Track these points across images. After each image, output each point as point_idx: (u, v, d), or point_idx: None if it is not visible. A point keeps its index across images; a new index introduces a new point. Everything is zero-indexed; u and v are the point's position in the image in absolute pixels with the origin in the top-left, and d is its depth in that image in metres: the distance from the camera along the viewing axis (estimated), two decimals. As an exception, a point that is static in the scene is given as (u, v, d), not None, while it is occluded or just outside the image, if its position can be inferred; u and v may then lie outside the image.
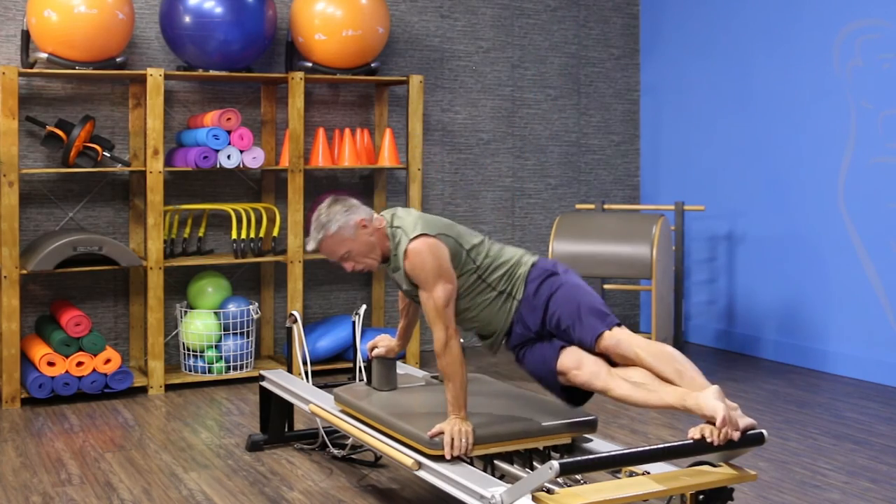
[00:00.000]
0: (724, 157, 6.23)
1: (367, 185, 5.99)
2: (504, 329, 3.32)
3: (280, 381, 4.10)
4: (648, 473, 2.95)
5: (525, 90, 6.46)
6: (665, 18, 6.66)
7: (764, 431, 2.90)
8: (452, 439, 3.04)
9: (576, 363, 3.14)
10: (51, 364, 4.82)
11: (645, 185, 6.84)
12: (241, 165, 5.26)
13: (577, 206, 6.15)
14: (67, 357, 4.85)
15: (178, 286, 5.52)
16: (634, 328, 6.71)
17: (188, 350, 5.30)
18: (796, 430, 4.44)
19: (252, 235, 5.33)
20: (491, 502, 2.73)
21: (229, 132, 5.19)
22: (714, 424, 2.82)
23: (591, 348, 3.13)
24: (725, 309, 6.24)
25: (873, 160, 5.34)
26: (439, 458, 3.06)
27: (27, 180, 5.20)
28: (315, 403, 3.78)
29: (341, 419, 3.59)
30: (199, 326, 5.25)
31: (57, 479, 3.80)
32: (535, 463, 3.29)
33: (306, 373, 4.24)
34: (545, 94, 6.52)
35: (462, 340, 3.29)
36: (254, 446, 4.14)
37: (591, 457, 2.76)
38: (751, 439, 2.88)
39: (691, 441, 2.82)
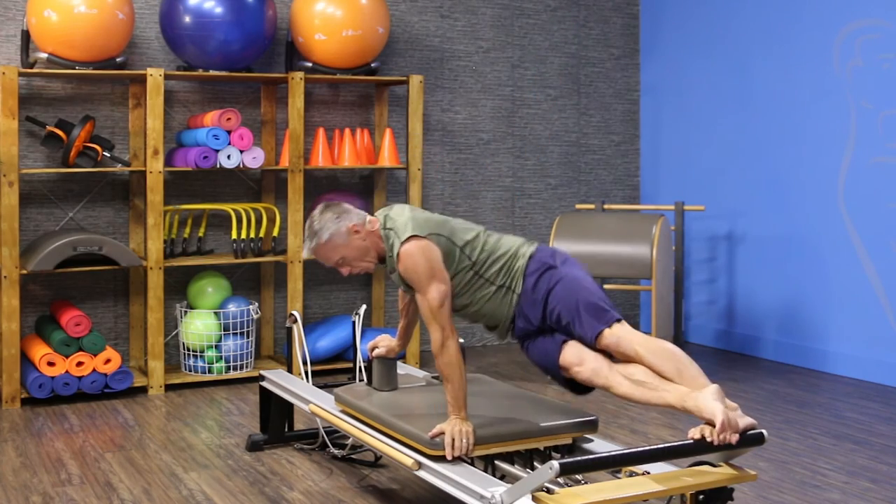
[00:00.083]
0: (724, 157, 6.23)
1: (367, 185, 5.99)
2: (508, 321, 3.32)
3: (280, 381, 4.10)
4: (648, 473, 2.95)
5: (525, 90, 6.46)
6: (665, 18, 6.67)
7: (764, 431, 2.90)
8: (453, 440, 3.03)
9: (577, 360, 3.13)
10: (51, 364, 4.82)
11: (645, 185, 6.84)
12: (241, 165, 5.26)
13: (577, 206, 6.15)
14: (67, 357, 4.85)
15: (178, 286, 5.52)
16: (634, 328, 6.69)
17: (188, 350, 5.30)
18: (796, 430, 4.44)
19: (252, 235, 5.33)
20: (491, 502, 2.73)
21: (229, 132, 5.19)
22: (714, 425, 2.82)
23: (591, 345, 3.13)
24: (725, 309, 6.24)
25: (873, 160, 5.34)
26: (440, 459, 3.05)
27: (27, 180, 5.20)
28: (315, 403, 3.78)
29: (341, 419, 3.59)
30: (199, 326, 5.25)
31: (57, 479, 3.80)
32: (535, 463, 3.29)
33: (306, 373, 4.24)
34: (545, 94, 6.52)
35: (462, 340, 3.29)
36: (254, 446, 4.14)
37: (591, 457, 2.76)
38: (751, 439, 2.88)
39: (691, 441, 2.82)
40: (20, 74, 4.94)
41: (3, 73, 4.83)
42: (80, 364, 4.87)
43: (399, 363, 4.00)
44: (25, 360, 4.99)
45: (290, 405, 4.14)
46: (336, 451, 4.00)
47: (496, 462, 3.21)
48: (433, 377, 3.89)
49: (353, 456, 3.98)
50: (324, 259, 3.33)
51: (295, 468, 3.91)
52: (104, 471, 3.90)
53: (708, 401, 2.85)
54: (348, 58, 5.48)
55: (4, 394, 4.86)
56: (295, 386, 4.02)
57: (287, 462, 3.99)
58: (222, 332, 5.29)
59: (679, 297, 5.70)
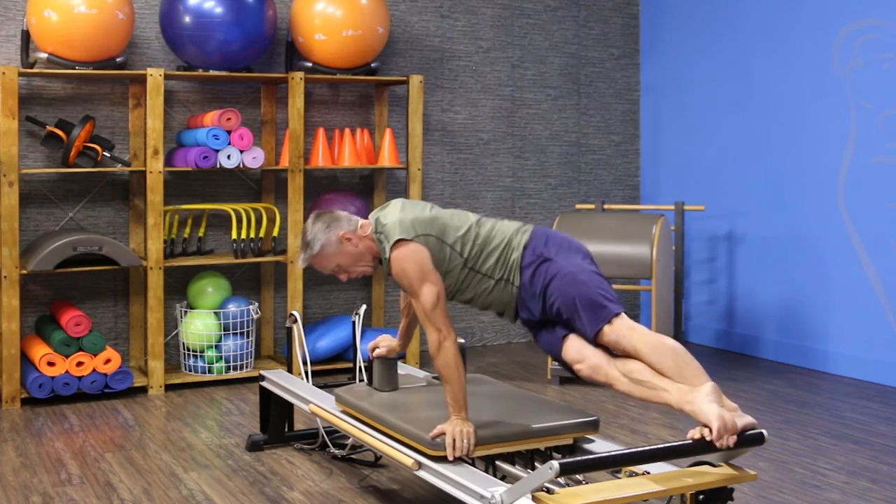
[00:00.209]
0: (724, 157, 6.23)
1: (367, 185, 5.99)
2: (513, 310, 3.30)
3: (280, 381, 4.10)
4: (648, 473, 2.95)
5: (525, 90, 6.46)
6: (665, 18, 6.67)
7: (764, 431, 2.90)
8: (454, 440, 3.03)
9: (578, 357, 3.13)
10: (51, 364, 4.82)
11: (645, 185, 6.84)
12: (241, 165, 5.26)
13: (577, 206, 6.15)
14: (67, 357, 4.85)
15: (178, 286, 5.53)
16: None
17: (188, 350, 5.30)
18: (796, 430, 4.44)
19: (252, 235, 5.33)
20: (491, 502, 2.73)
21: (229, 132, 5.19)
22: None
23: (592, 341, 3.12)
24: (725, 309, 6.25)
25: (873, 160, 5.34)
26: (441, 459, 3.05)
27: (27, 180, 5.20)
28: (315, 403, 3.78)
29: (342, 419, 3.59)
30: (199, 326, 5.25)
31: (57, 479, 3.80)
32: (536, 464, 3.29)
33: (306, 373, 4.24)
34: (545, 94, 6.52)
35: (462, 341, 3.29)
36: (254, 446, 4.14)
37: (590, 457, 2.76)
38: (751, 439, 2.87)
39: (691, 441, 2.82)
40: (20, 74, 4.94)
41: (3, 73, 4.83)
42: (80, 364, 4.87)
43: (399, 363, 4.00)
44: (25, 360, 4.99)
45: (290, 405, 4.14)
46: (336, 451, 4.00)
47: (497, 462, 3.21)
48: (433, 377, 3.89)
49: (353, 456, 3.98)
50: (320, 268, 3.36)
51: (295, 468, 3.91)
52: (104, 471, 3.90)
53: (703, 404, 2.84)
54: (348, 58, 5.48)
55: (4, 394, 4.86)
56: (295, 386, 4.02)
57: (287, 462, 3.99)
58: (222, 332, 5.29)
59: (679, 297, 5.70)
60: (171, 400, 5.00)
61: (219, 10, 5.14)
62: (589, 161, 6.68)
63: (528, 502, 2.67)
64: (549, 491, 2.73)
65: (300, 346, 4.49)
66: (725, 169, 6.22)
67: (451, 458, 3.04)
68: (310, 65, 5.49)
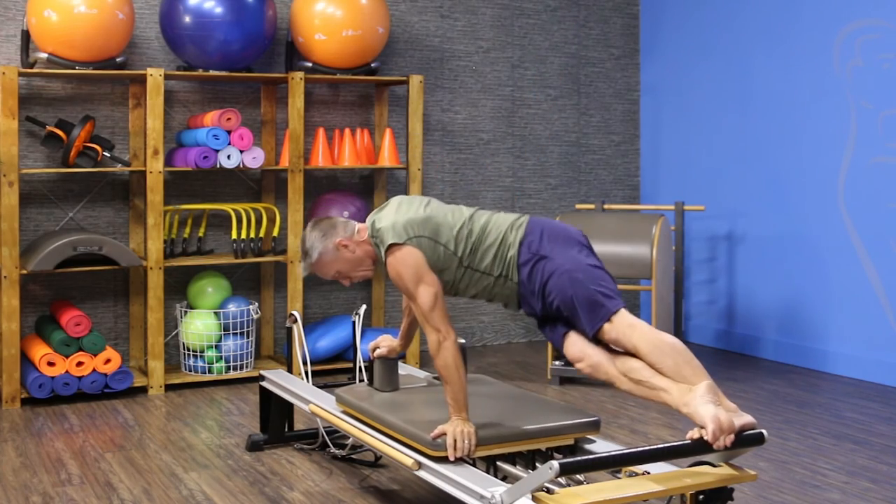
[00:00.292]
0: (724, 157, 6.23)
1: (367, 185, 5.99)
2: (516, 303, 3.30)
3: (280, 381, 4.10)
4: (648, 473, 2.95)
5: (525, 90, 6.46)
6: (665, 18, 6.67)
7: (764, 431, 2.90)
8: (455, 441, 3.03)
9: (579, 355, 3.13)
10: (51, 364, 4.82)
11: (645, 185, 6.84)
12: (241, 165, 5.26)
13: (577, 206, 6.15)
14: (67, 357, 4.85)
15: (178, 286, 5.53)
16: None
17: (188, 350, 5.30)
18: (796, 430, 4.44)
19: (252, 235, 5.33)
20: (491, 502, 2.73)
21: (229, 132, 5.19)
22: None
23: (593, 339, 3.12)
24: (725, 309, 6.25)
25: (873, 160, 5.34)
26: (442, 460, 3.05)
27: (27, 180, 5.20)
28: (315, 403, 3.78)
29: (342, 419, 3.59)
30: (199, 326, 5.25)
31: (57, 479, 3.80)
32: (537, 464, 3.29)
33: (306, 373, 4.24)
34: (545, 94, 6.52)
35: (462, 341, 3.29)
36: (254, 446, 4.14)
37: (590, 457, 2.76)
38: (751, 439, 2.87)
39: (691, 441, 2.82)
40: (20, 74, 4.94)
41: (3, 73, 4.83)
42: (80, 364, 4.87)
43: (399, 363, 3.99)
44: (25, 360, 4.99)
45: (290, 405, 4.14)
46: (336, 451, 4.00)
47: (498, 463, 3.21)
48: (434, 377, 3.89)
49: (353, 456, 3.98)
50: (321, 275, 3.41)
51: (295, 468, 3.91)
52: (104, 471, 3.90)
53: (699, 406, 2.84)
54: (348, 58, 5.48)
55: (4, 394, 4.86)
56: (295, 386, 4.02)
57: (287, 462, 3.99)
58: (222, 332, 5.29)
59: (679, 297, 5.70)
60: (171, 400, 5.00)
61: (219, 10, 5.14)
62: (589, 161, 6.68)
63: (528, 502, 2.67)
64: (549, 491, 2.73)
65: (300, 346, 4.49)
66: (725, 169, 6.22)
67: (452, 459, 3.04)
68: (310, 65, 5.49)
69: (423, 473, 3.10)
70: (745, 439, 2.86)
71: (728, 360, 5.92)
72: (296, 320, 4.29)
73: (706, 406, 2.83)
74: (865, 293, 5.37)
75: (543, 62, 6.51)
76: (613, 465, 2.81)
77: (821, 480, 3.76)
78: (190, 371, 5.32)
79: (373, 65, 5.60)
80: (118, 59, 5.12)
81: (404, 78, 5.69)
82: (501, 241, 3.24)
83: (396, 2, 6.05)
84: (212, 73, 5.29)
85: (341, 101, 5.94)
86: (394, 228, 3.23)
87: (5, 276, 4.84)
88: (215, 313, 5.27)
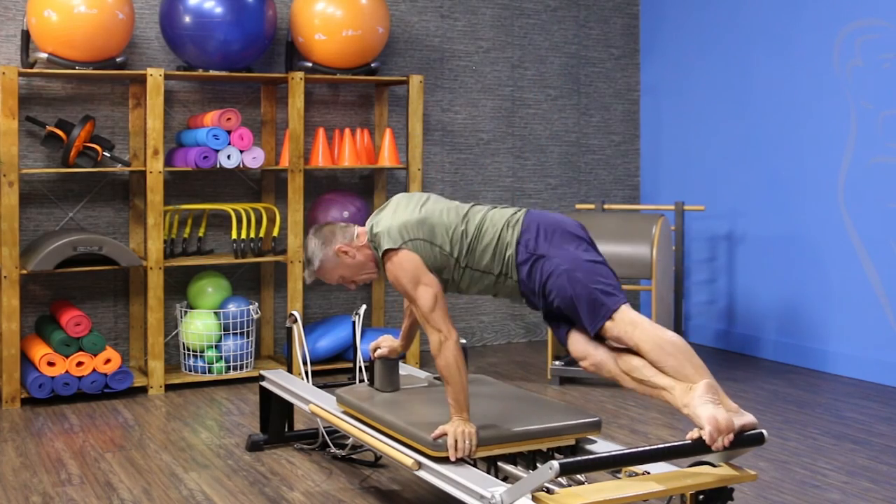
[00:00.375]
0: (724, 157, 6.23)
1: (367, 185, 5.99)
2: (519, 298, 3.29)
3: (280, 381, 4.10)
4: (648, 473, 2.95)
5: (525, 90, 6.46)
6: (665, 18, 6.67)
7: (764, 431, 2.90)
8: (456, 441, 3.03)
9: (582, 354, 3.13)
10: (51, 364, 4.82)
11: (645, 185, 6.84)
12: (241, 165, 5.26)
13: (577, 206, 6.15)
14: (67, 357, 4.85)
15: (178, 286, 5.52)
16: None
17: (188, 350, 5.30)
18: (796, 430, 4.44)
19: (252, 235, 5.33)
20: (491, 502, 2.73)
21: (229, 132, 5.19)
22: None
23: (595, 337, 3.12)
24: (725, 309, 6.25)
25: (873, 160, 5.34)
26: (442, 460, 3.05)
27: (27, 180, 5.20)
28: (315, 403, 3.78)
29: (342, 419, 3.59)
30: (199, 326, 5.25)
31: (57, 479, 3.80)
32: (538, 464, 3.29)
33: (306, 373, 4.24)
34: (545, 94, 6.52)
35: (464, 341, 3.29)
36: (254, 446, 4.14)
37: (590, 457, 2.76)
38: (751, 439, 2.87)
39: (691, 441, 2.82)
40: (20, 74, 4.94)
41: (3, 73, 4.83)
42: (80, 364, 4.86)
43: (400, 363, 3.99)
44: (25, 360, 4.99)
45: (290, 405, 4.14)
46: (336, 451, 4.00)
47: (499, 463, 3.21)
48: (435, 378, 3.89)
49: (353, 456, 3.98)
50: (326, 281, 3.44)
51: (295, 468, 3.91)
52: (104, 471, 3.90)
53: (698, 407, 2.83)
54: (348, 58, 5.48)
55: (4, 394, 4.86)
56: (295, 386, 4.02)
57: (287, 462, 3.99)
58: (222, 332, 5.29)
59: (679, 297, 5.70)
60: (171, 400, 5.00)
61: (219, 10, 5.14)
62: (589, 161, 6.68)
63: (528, 502, 2.67)
64: (549, 491, 2.73)
65: (300, 346, 4.49)
66: (725, 169, 6.22)
67: (453, 459, 3.03)
68: (310, 65, 5.49)
69: (423, 473, 3.10)
70: (744, 439, 2.86)
71: (728, 360, 5.92)
72: (296, 320, 4.29)
73: (705, 406, 2.83)
74: (865, 293, 5.37)
75: (543, 62, 6.51)
76: (613, 465, 2.81)
77: (821, 480, 3.77)
78: (190, 371, 5.32)
79: (373, 65, 5.60)
80: (118, 59, 5.12)
81: (404, 78, 5.69)
82: (498, 240, 3.23)
83: (396, 2, 6.05)
84: (212, 73, 5.29)
85: (341, 101, 5.94)
86: (389, 233, 3.25)
87: (5, 276, 4.84)
88: (215, 313, 5.27)
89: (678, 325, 5.70)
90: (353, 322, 4.21)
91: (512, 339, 6.51)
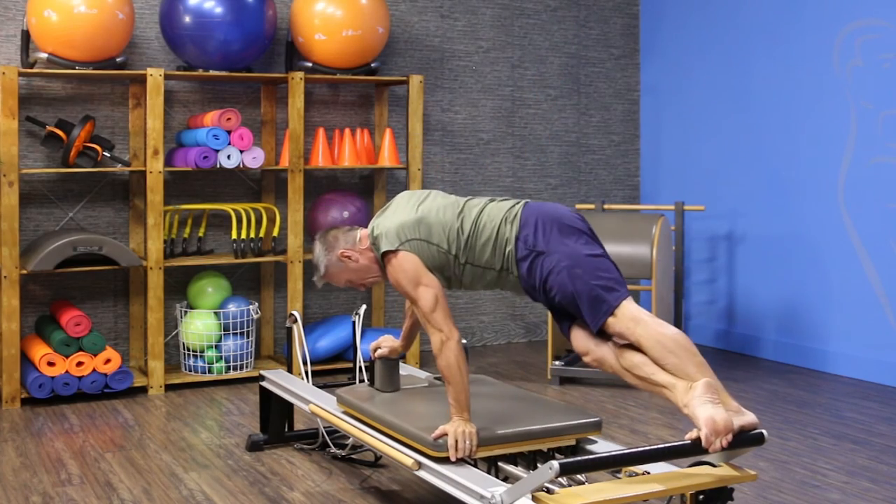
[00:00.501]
0: (724, 157, 6.23)
1: (367, 185, 5.99)
2: (523, 292, 3.28)
3: (280, 381, 4.10)
4: (648, 473, 2.95)
5: (525, 90, 6.46)
6: (665, 18, 6.67)
7: (764, 431, 2.90)
8: (456, 441, 3.03)
9: (584, 349, 3.13)
10: (51, 364, 4.82)
11: (645, 185, 6.84)
12: (241, 165, 5.26)
13: (577, 206, 6.15)
14: (67, 357, 4.85)
15: (178, 286, 5.52)
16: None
17: (188, 350, 5.30)
18: (796, 430, 4.44)
19: (252, 235, 5.33)
20: (491, 502, 2.73)
21: (229, 132, 5.19)
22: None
23: (598, 332, 3.11)
24: (725, 309, 6.25)
25: (873, 160, 5.34)
26: (443, 460, 3.05)
27: (27, 180, 5.20)
28: (315, 403, 3.78)
29: (342, 419, 3.59)
30: (199, 326, 5.25)
31: (57, 479, 3.80)
32: (538, 464, 3.29)
33: (306, 373, 4.24)
34: (545, 94, 6.52)
35: (464, 341, 3.29)
36: (254, 446, 4.14)
37: (590, 457, 2.76)
38: (751, 439, 2.87)
39: (691, 441, 2.81)
40: (20, 74, 4.94)
41: (3, 73, 4.83)
42: (80, 364, 4.87)
43: (400, 364, 3.99)
44: (25, 360, 4.99)
45: (290, 405, 4.14)
46: (336, 452, 4.00)
47: (499, 463, 3.21)
48: (435, 378, 3.89)
49: (353, 456, 3.98)
50: (335, 284, 3.48)
51: (295, 468, 3.91)
52: (104, 471, 3.90)
53: (697, 407, 2.83)
54: (348, 58, 5.48)
55: (4, 394, 4.86)
56: (295, 386, 4.02)
57: (287, 462, 3.99)
58: (222, 332, 5.29)
59: (679, 297, 5.70)
60: (171, 400, 5.00)
61: (219, 10, 5.14)
62: (589, 161, 6.68)
63: (528, 502, 2.67)
64: (549, 491, 2.73)
65: (300, 346, 4.49)
66: (725, 169, 6.22)
67: (453, 460, 3.03)
68: (310, 65, 5.49)
69: (423, 474, 3.10)
70: (744, 439, 2.86)
71: (728, 360, 5.92)
72: (296, 320, 4.29)
73: (703, 407, 2.82)
74: (865, 293, 5.37)
75: (543, 62, 6.51)
76: (613, 465, 2.81)
77: (821, 480, 3.77)
78: (190, 371, 5.32)
79: (373, 65, 5.60)
80: (118, 59, 5.12)
81: (404, 78, 5.69)
82: (497, 235, 3.22)
83: (396, 2, 6.05)
84: (212, 73, 5.29)
85: (341, 101, 5.94)
86: (387, 235, 3.26)
87: (5, 276, 4.84)
88: (215, 313, 5.27)
89: (678, 325, 5.70)
90: (353, 322, 4.21)
91: (512, 339, 6.51)
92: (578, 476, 3.10)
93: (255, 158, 5.28)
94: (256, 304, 5.44)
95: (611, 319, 3.04)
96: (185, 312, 5.34)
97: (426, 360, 5.80)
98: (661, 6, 6.69)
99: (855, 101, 5.42)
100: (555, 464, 2.56)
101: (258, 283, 5.75)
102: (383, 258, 3.27)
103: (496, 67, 6.36)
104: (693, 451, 2.83)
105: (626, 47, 6.79)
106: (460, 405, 3.10)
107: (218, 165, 5.18)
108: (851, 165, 5.44)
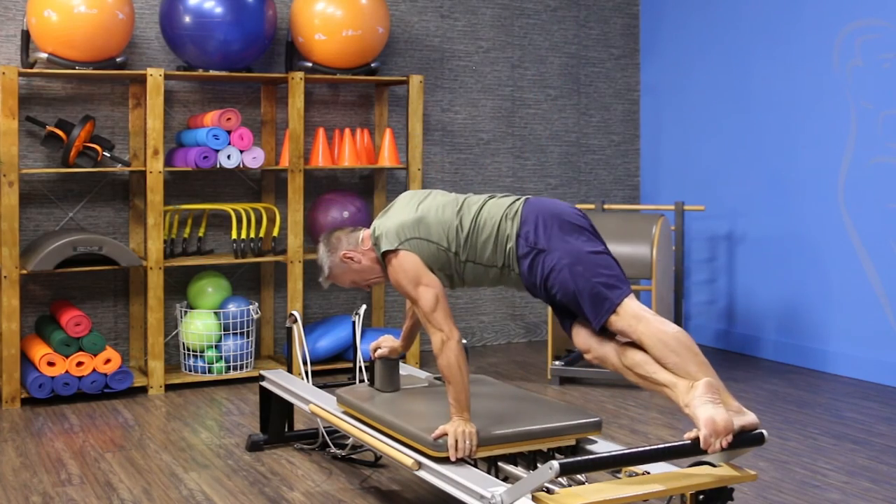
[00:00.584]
0: (724, 157, 6.23)
1: (367, 185, 5.99)
2: (524, 289, 3.27)
3: (280, 381, 4.10)
4: (648, 473, 2.95)
5: (525, 90, 6.46)
6: (665, 18, 6.67)
7: (764, 431, 2.90)
8: (456, 441, 3.03)
9: (585, 347, 3.13)
10: (51, 364, 4.82)
11: (645, 185, 6.84)
12: (241, 165, 5.26)
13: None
14: (67, 357, 4.85)
15: (178, 286, 5.52)
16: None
17: (188, 350, 5.30)
18: (796, 430, 4.44)
19: (252, 235, 5.33)
20: (491, 502, 2.73)
21: (229, 132, 5.19)
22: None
23: (600, 330, 3.11)
24: (725, 309, 6.25)
25: (873, 160, 5.34)
26: (443, 460, 3.05)
27: (27, 180, 5.20)
28: (315, 403, 3.78)
29: (342, 419, 3.59)
30: (199, 326, 5.25)
31: (57, 479, 3.80)
32: (538, 464, 3.29)
33: (306, 373, 4.24)
34: (545, 94, 6.52)
35: (465, 341, 3.29)
36: (254, 446, 4.14)
37: (590, 457, 2.76)
38: (751, 439, 2.87)
39: (691, 441, 2.81)
40: (20, 74, 4.94)
41: (3, 73, 4.83)
42: (80, 364, 4.87)
43: (400, 364, 3.99)
44: (25, 360, 4.99)
45: (290, 405, 4.14)
46: (336, 451, 4.00)
47: (499, 463, 3.21)
48: (435, 378, 3.89)
49: (353, 456, 3.98)
50: (340, 285, 3.50)
51: (295, 468, 3.91)
52: (104, 471, 3.90)
53: (697, 407, 2.82)
54: (348, 58, 5.48)
55: (4, 394, 4.86)
56: (295, 386, 4.02)
57: (287, 462, 3.99)
58: (222, 332, 5.29)
59: (679, 297, 5.70)
60: (171, 400, 5.00)
61: (219, 10, 5.14)
62: (589, 161, 6.68)
63: (528, 502, 2.67)
64: (549, 491, 2.73)
65: (300, 346, 4.49)
66: (725, 169, 6.22)
67: (453, 460, 3.03)
68: (310, 65, 5.49)
69: (423, 474, 3.10)
70: (744, 439, 2.86)
71: (728, 360, 5.92)
72: (296, 320, 4.29)
73: (704, 407, 2.82)
74: (865, 293, 5.37)
75: (543, 62, 6.51)
76: (613, 465, 2.81)
77: (821, 480, 3.77)
78: (190, 371, 5.32)
79: (373, 65, 5.60)
80: (118, 59, 5.12)
81: (404, 78, 5.69)
82: (497, 233, 3.21)
83: (396, 2, 6.05)
84: (212, 73, 5.29)
85: (341, 101, 5.94)
86: (387, 235, 3.27)
87: (5, 276, 4.84)
88: (215, 313, 5.27)
89: (678, 324, 5.69)
90: (353, 322, 4.21)
91: (512, 339, 6.51)
92: (578, 476, 3.10)
93: (255, 158, 5.28)
94: (256, 304, 5.44)
95: (613, 317, 3.03)
96: (185, 312, 5.34)
97: (426, 360, 5.80)
98: (661, 6, 6.69)
99: (855, 101, 5.42)
100: (555, 464, 2.56)
101: (258, 283, 5.75)
102: (384, 258, 3.28)
103: (496, 67, 6.37)
104: (693, 451, 2.83)
105: (626, 47, 6.79)
106: (460, 405, 3.10)
107: (218, 165, 5.19)
108: (851, 165, 5.44)
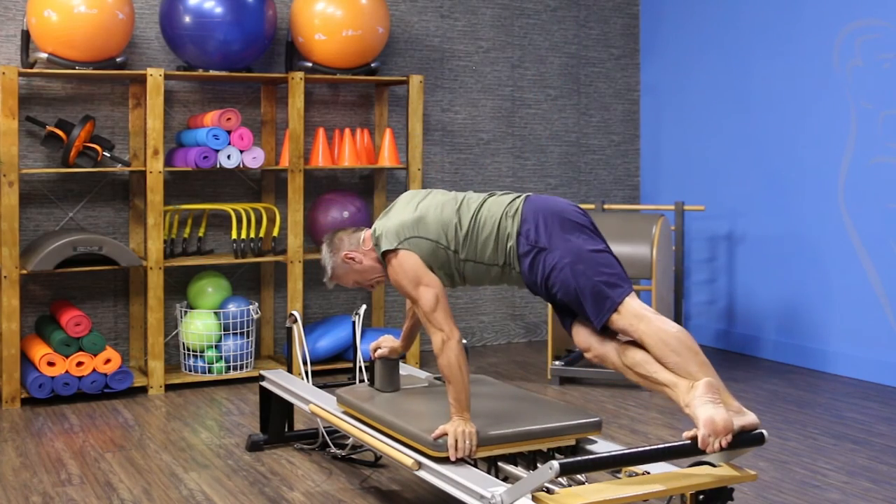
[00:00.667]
0: (724, 157, 6.23)
1: (367, 185, 5.99)
2: (525, 287, 3.26)
3: (280, 381, 4.10)
4: (648, 473, 2.95)
5: (525, 90, 6.46)
6: (665, 18, 6.67)
7: (764, 431, 2.90)
8: (456, 441, 3.03)
9: (585, 346, 3.13)
10: (51, 364, 4.82)
11: (645, 185, 6.84)
12: (241, 165, 5.26)
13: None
14: (67, 357, 4.85)
15: (178, 286, 5.52)
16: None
17: (188, 350, 5.30)
18: (796, 430, 4.44)
19: (252, 235, 5.33)
20: (491, 502, 2.73)
21: (229, 132, 5.19)
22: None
23: (601, 329, 3.10)
24: (725, 309, 6.25)
25: (873, 160, 5.34)
26: (442, 460, 3.05)
27: (27, 180, 5.20)
28: (315, 403, 3.78)
29: (342, 419, 3.59)
30: (199, 326, 5.25)
31: (57, 479, 3.80)
32: (538, 464, 3.29)
33: (306, 373, 4.24)
34: (545, 94, 6.52)
35: (465, 341, 3.29)
36: (254, 446, 4.14)
37: (590, 457, 2.76)
38: (751, 439, 2.87)
39: (691, 441, 2.81)
40: (20, 74, 4.94)
41: (3, 73, 4.83)
42: (80, 364, 4.86)
43: (400, 364, 3.99)
44: (25, 360, 4.99)
45: (290, 405, 4.14)
46: (336, 452, 4.00)
47: (499, 463, 3.21)
48: (435, 378, 3.89)
49: (353, 456, 3.98)
50: (343, 285, 3.52)
51: (295, 468, 3.91)
52: (104, 471, 3.90)
53: (697, 407, 2.82)
54: (348, 58, 5.48)
55: (4, 394, 4.86)
56: (295, 386, 4.02)
57: (287, 462, 3.99)
58: (222, 332, 5.29)
59: (679, 297, 5.70)
60: (171, 400, 5.00)
61: (219, 10, 5.14)
62: (589, 161, 6.68)
63: (528, 502, 2.67)
64: (549, 491, 2.73)
65: (300, 346, 4.49)
66: (725, 169, 6.22)
67: (453, 459, 3.03)
68: (310, 65, 5.49)
69: (423, 473, 3.10)
70: (744, 439, 2.86)
71: (728, 360, 5.92)
72: (296, 320, 4.29)
73: (704, 408, 2.82)
74: (865, 293, 5.37)
75: (543, 62, 6.51)
76: (613, 465, 2.81)
77: (821, 480, 3.77)
78: (190, 371, 5.32)
79: (373, 65, 5.60)
80: (118, 59, 5.12)
81: (404, 78, 5.69)
82: (498, 231, 3.21)
83: (396, 2, 6.05)
84: (212, 73, 5.29)
85: (341, 101, 5.94)
86: (387, 235, 3.28)
87: (5, 276, 4.84)
88: (215, 313, 5.27)
89: (678, 324, 5.69)
90: (353, 322, 4.21)
91: (512, 339, 6.51)
92: (578, 476, 3.10)
93: (255, 158, 5.28)
94: (256, 304, 5.44)
95: (614, 316, 3.02)
96: (185, 312, 5.34)
97: (426, 360, 5.80)
98: (661, 6, 6.69)
99: (855, 101, 5.42)
100: (555, 464, 2.56)
101: (258, 283, 5.75)
102: (384, 258, 3.28)
103: (496, 67, 6.37)
104: (693, 451, 2.83)
105: (626, 47, 6.79)
106: (460, 405, 3.10)
107: (218, 165, 5.19)
108: (851, 165, 5.44)
